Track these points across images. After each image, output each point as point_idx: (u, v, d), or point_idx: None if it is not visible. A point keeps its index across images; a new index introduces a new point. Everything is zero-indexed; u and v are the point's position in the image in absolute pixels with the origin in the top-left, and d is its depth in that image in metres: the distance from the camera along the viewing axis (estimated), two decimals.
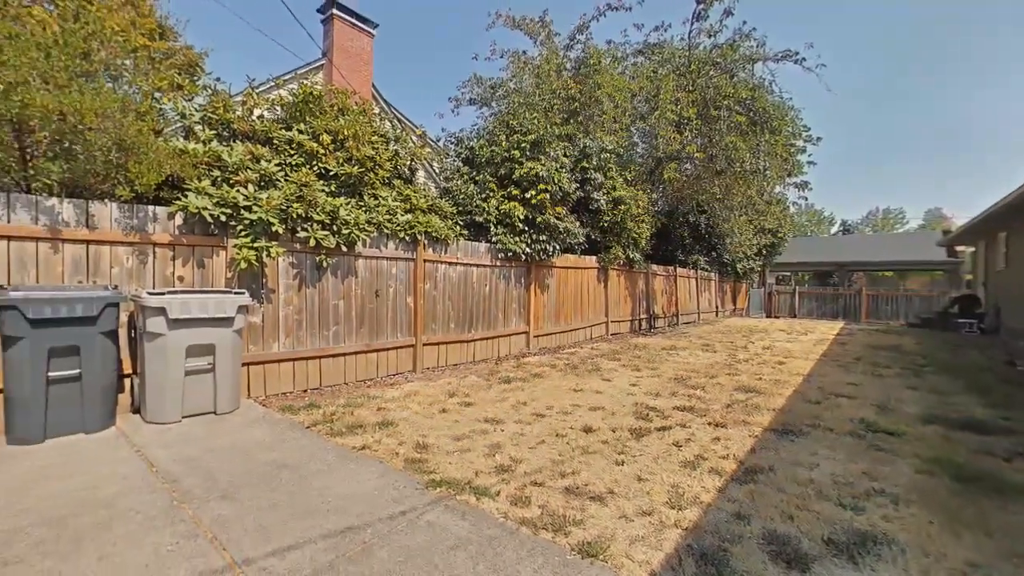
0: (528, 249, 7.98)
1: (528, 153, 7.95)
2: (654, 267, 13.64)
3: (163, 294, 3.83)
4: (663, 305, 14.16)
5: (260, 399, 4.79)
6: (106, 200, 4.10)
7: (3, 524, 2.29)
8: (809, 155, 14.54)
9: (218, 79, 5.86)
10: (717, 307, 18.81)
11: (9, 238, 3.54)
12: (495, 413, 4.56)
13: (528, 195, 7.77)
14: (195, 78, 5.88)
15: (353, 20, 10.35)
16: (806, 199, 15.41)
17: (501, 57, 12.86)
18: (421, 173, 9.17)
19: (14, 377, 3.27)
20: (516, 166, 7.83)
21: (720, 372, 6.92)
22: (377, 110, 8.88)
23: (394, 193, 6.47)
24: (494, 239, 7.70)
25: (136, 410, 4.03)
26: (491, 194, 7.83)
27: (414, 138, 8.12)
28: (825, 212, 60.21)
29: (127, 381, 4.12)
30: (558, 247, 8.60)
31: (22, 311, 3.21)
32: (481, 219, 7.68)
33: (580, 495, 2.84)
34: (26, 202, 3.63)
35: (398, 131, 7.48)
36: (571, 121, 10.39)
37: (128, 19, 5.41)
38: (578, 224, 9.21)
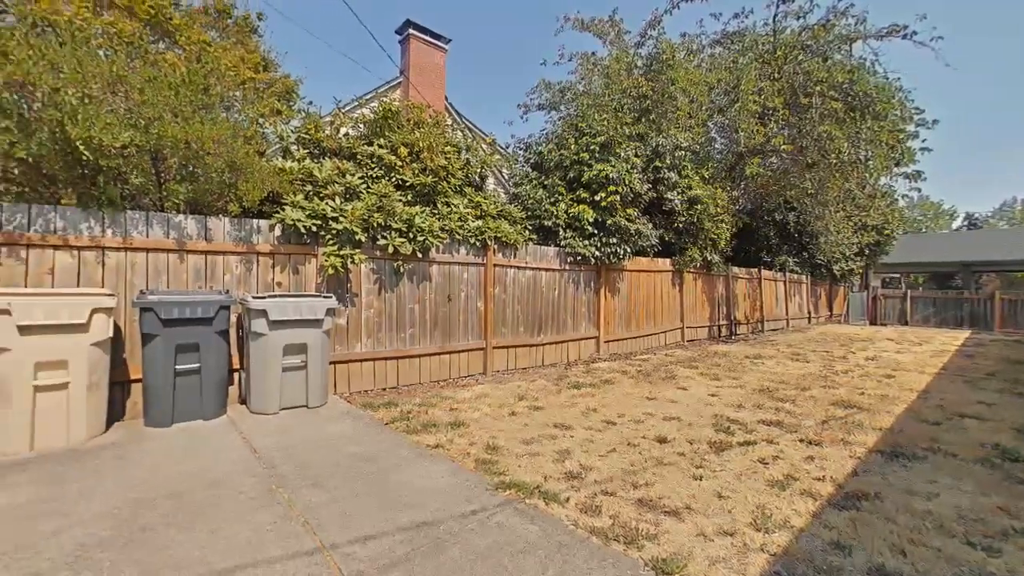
0: (598, 252, 7.84)
1: (597, 155, 7.82)
2: (735, 269, 12.76)
3: (265, 298, 4.27)
4: (745, 310, 13.18)
5: (345, 395, 5.16)
6: (220, 215, 4.68)
7: (141, 495, 2.68)
8: (923, 141, 12.80)
9: (310, 103, 6.47)
10: (809, 313, 17.15)
11: (148, 250, 4.16)
12: (564, 418, 4.51)
13: (598, 197, 7.64)
14: (291, 103, 6.52)
15: (427, 38, 10.89)
16: (919, 190, 13.54)
17: (569, 60, 12.82)
18: (491, 180, 9.39)
19: (151, 369, 3.83)
20: (585, 168, 7.74)
21: (813, 384, 6.29)
22: (449, 121, 9.25)
23: (465, 200, 6.69)
24: (563, 243, 7.66)
25: (243, 401, 4.53)
26: (560, 198, 7.81)
27: (484, 146, 8.34)
28: (944, 205, 52.54)
29: (236, 375, 4.64)
30: (629, 250, 8.35)
31: (157, 312, 3.75)
32: (550, 223, 7.68)
33: (654, 508, 2.72)
34: (160, 219, 4.25)
35: (469, 140, 7.73)
36: (642, 120, 10.06)
37: (238, 56, 6.12)
38: (650, 226, 8.88)
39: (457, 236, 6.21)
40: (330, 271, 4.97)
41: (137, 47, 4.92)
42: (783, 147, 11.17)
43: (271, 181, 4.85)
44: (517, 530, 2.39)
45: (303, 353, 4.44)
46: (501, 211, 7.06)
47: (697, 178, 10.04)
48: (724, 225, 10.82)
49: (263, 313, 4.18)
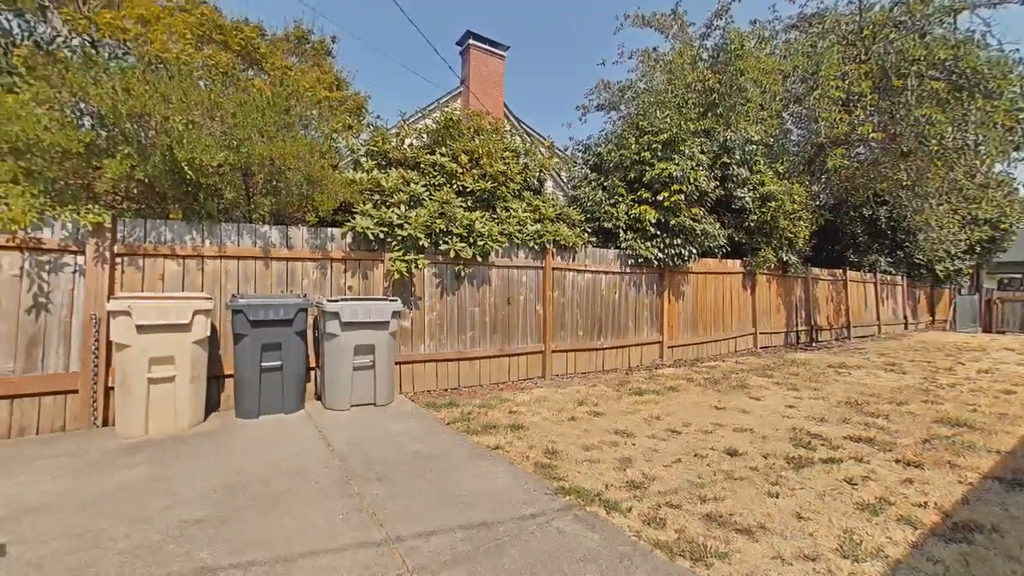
0: (660, 254, 7.56)
1: (660, 153, 7.56)
2: (815, 271, 11.75)
3: (337, 301, 4.57)
4: (828, 315, 12.08)
5: (409, 395, 5.38)
6: (299, 225, 5.08)
7: (233, 479, 2.97)
8: None
9: (378, 116, 6.88)
10: (906, 318, 15.38)
11: (239, 257, 4.61)
12: (626, 425, 4.39)
13: (660, 197, 7.38)
14: (361, 118, 6.95)
15: (486, 47, 11.14)
16: None
17: (630, 58, 12.54)
18: (549, 183, 9.39)
19: (240, 365, 4.23)
20: (647, 168, 7.51)
21: (912, 398, 5.62)
22: (508, 127, 9.38)
23: (524, 204, 6.74)
24: (624, 245, 7.48)
25: (318, 397, 4.87)
26: (620, 199, 7.64)
27: (542, 150, 8.36)
28: None
29: (312, 373, 5.00)
30: (695, 251, 7.97)
31: (246, 314, 4.13)
32: (610, 225, 7.53)
33: (724, 525, 2.57)
34: (249, 230, 4.69)
35: (527, 145, 7.79)
36: (709, 115, 9.58)
37: (315, 77, 6.62)
38: (718, 225, 8.42)
39: (516, 240, 6.27)
40: (396, 275, 5.22)
41: (231, 76, 5.48)
42: (872, 135, 10.13)
43: (343, 192, 5.19)
44: (577, 537, 2.35)
45: (371, 353, 4.68)
46: (560, 214, 7.04)
47: (770, 173, 9.38)
48: (802, 223, 10.01)
49: (336, 315, 4.46)
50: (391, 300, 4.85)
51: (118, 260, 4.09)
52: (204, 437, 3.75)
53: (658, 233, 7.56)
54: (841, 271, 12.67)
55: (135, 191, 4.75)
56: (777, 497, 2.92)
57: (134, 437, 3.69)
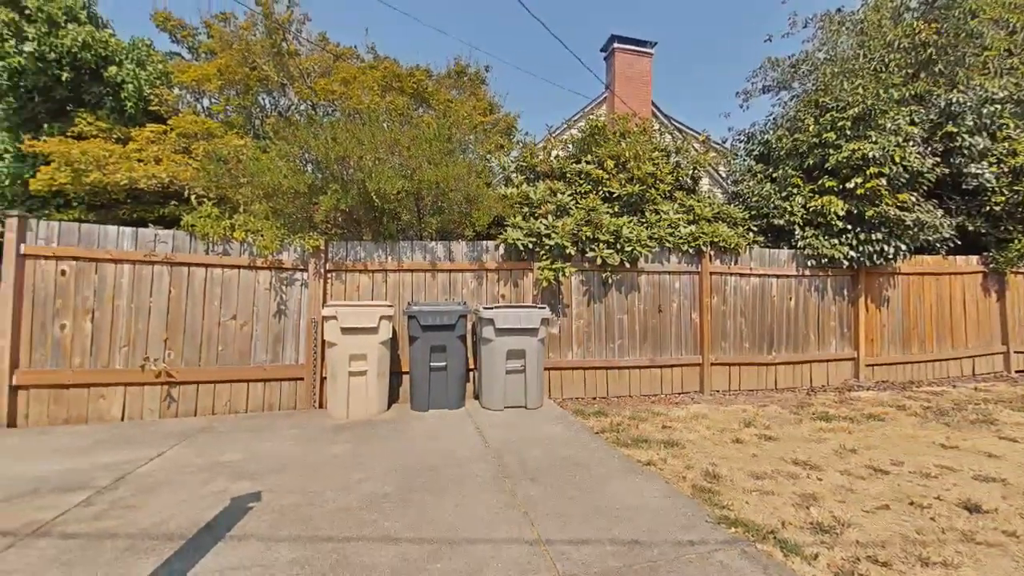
0: (853, 252, 6.27)
1: (848, 132, 6.31)
2: None
3: (492, 308, 4.92)
4: None
5: (558, 400, 5.47)
6: (459, 240, 5.65)
7: (410, 463, 3.42)
8: None
9: (526, 134, 7.24)
10: None
11: (412, 270, 5.33)
12: (808, 455, 3.73)
13: (851, 184, 6.15)
14: (512, 137, 7.42)
15: (632, 47, 10.83)
16: None
17: (804, 27, 10.79)
18: (705, 180, 8.63)
19: (414, 364, 4.86)
20: (831, 151, 6.34)
21: None
22: (657, 126, 8.94)
23: (675, 205, 6.33)
24: (800, 243, 6.42)
25: (476, 396, 5.30)
26: (794, 191, 6.59)
27: (696, 145, 7.75)
28: None
29: (471, 374, 5.47)
30: (903, 247, 6.39)
31: (418, 320, 4.75)
32: (781, 222, 6.55)
33: None
34: (419, 246, 5.39)
35: (678, 142, 7.32)
36: (921, 75, 7.65)
37: (471, 105, 7.30)
38: (940, 213, 6.63)
39: (667, 244, 5.91)
40: (544, 283, 5.40)
41: (405, 116, 6.41)
42: None
43: (496, 207, 5.61)
44: None
45: (522, 358, 4.92)
46: (718, 213, 6.40)
47: None
48: None
49: (491, 321, 4.81)
50: (540, 307, 5.03)
51: (328, 275, 5.11)
52: (387, 424, 4.41)
53: (848, 227, 6.30)
54: None
55: (339, 219, 5.88)
56: None
57: (339, 419, 4.53)
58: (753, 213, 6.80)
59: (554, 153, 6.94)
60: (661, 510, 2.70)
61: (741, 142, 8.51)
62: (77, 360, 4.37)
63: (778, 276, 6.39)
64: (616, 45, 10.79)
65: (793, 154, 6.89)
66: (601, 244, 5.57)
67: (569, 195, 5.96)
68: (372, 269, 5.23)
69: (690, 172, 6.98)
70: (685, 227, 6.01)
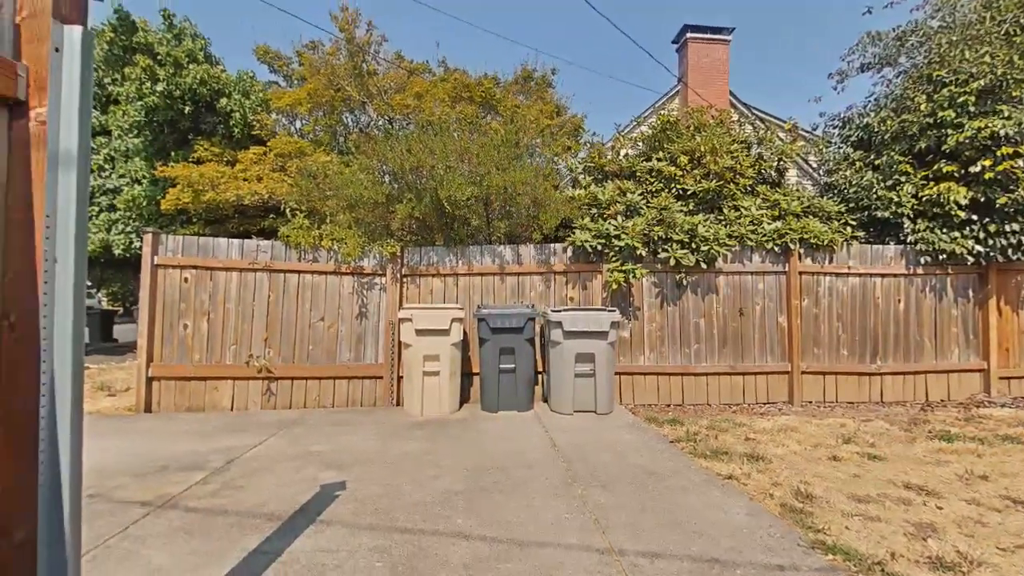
0: (979, 247, 5.42)
1: (971, 108, 5.47)
2: None
3: (560, 311, 4.90)
4: None
5: (629, 406, 5.30)
6: (527, 243, 5.69)
7: (480, 462, 3.49)
8: None
9: (593, 134, 7.14)
10: None
11: (482, 274, 5.46)
12: (924, 480, 3.27)
13: (975, 168, 5.32)
14: (579, 138, 7.34)
15: (706, 36, 10.28)
16: None
17: None
18: (792, 172, 7.94)
19: (484, 366, 4.97)
20: (949, 131, 5.53)
21: None
22: (736, 117, 8.37)
23: (758, 201, 5.88)
24: (911, 238, 5.67)
25: (545, 399, 5.29)
26: (902, 179, 5.84)
27: (781, 135, 7.15)
28: None
29: (539, 377, 5.47)
30: None
31: (488, 322, 4.85)
32: (886, 214, 5.83)
33: None
34: (488, 250, 5.51)
35: (761, 132, 6.81)
36: None
37: (538, 109, 7.35)
38: None
39: (749, 242, 5.51)
40: (613, 286, 5.26)
41: (474, 124, 6.60)
42: None
43: (563, 209, 5.57)
44: None
45: (592, 362, 4.83)
46: (808, 207, 5.85)
47: None
48: None
49: (559, 324, 4.79)
50: (610, 310, 4.92)
51: (404, 280, 5.39)
52: (459, 423, 4.55)
53: (972, 218, 5.45)
54: None
55: (413, 226, 6.19)
56: None
57: (414, 417, 4.75)
58: (851, 206, 6.12)
59: (623, 152, 6.76)
60: (744, 528, 2.51)
61: (835, 128, 7.69)
62: (196, 356, 5.01)
63: (883, 275, 5.69)
64: (689, 35, 10.30)
65: (900, 137, 6.10)
66: (674, 244, 5.32)
67: (639, 194, 5.77)
68: (444, 273, 5.43)
69: (774, 164, 6.46)
70: (769, 224, 5.56)
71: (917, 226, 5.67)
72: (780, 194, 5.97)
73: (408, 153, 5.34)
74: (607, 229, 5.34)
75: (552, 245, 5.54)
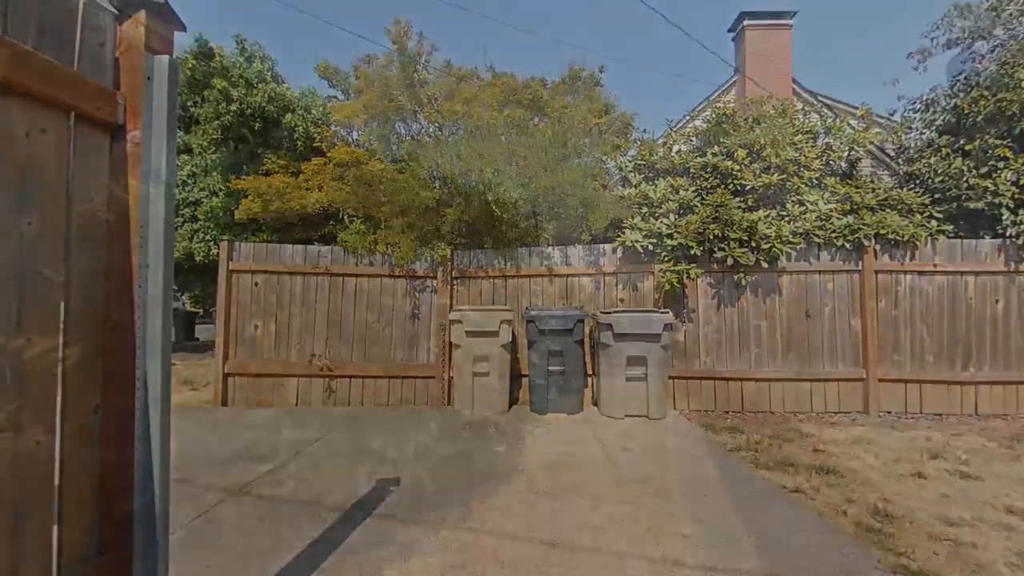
0: None
1: None
2: None
3: (610, 313, 4.80)
4: None
5: (684, 412, 5.10)
6: (575, 244, 5.63)
7: (532, 464, 3.49)
8: None
9: (644, 131, 6.94)
10: None
11: (530, 276, 5.47)
12: None
13: None
14: (628, 136, 7.17)
15: (765, 22, 9.72)
16: None
17: None
18: (866, 163, 7.32)
19: (533, 368, 4.97)
20: None
21: None
22: (800, 105, 7.85)
23: (826, 194, 5.47)
24: (1011, 231, 5.05)
25: (595, 403, 5.20)
26: (1000, 164, 5.22)
27: (852, 123, 6.62)
28: None
29: (589, 379, 5.39)
30: None
31: (537, 324, 4.84)
32: (980, 204, 5.23)
33: None
34: (537, 252, 5.51)
35: (828, 121, 6.33)
36: None
37: (586, 108, 7.26)
38: None
39: (815, 239, 5.13)
40: (666, 287, 5.09)
41: (522, 127, 6.62)
42: None
43: (612, 209, 5.47)
44: None
45: (643, 365, 4.69)
46: (884, 199, 5.36)
47: None
48: None
49: (609, 326, 4.70)
50: (662, 312, 4.76)
51: (454, 282, 5.51)
52: (509, 423, 4.58)
53: None
54: None
55: (462, 229, 6.30)
56: None
57: (465, 416, 4.84)
58: (936, 197, 5.55)
59: (675, 148, 6.52)
60: (812, 546, 2.34)
61: (916, 112, 7.01)
62: (265, 355, 5.38)
63: (976, 273, 5.10)
64: (746, 23, 9.79)
65: (997, 118, 5.45)
66: (732, 242, 5.06)
67: (693, 191, 5.54)
68: (492, 275, 5.49)
69: (845, 154, 5.98)
70: (840, 219, 5.16)
71: (1019, 217, 5.04)
72: (852, 186, 5.53)
73: (458, 158, 5.46)
74: (659, 228, 5.18)
75: (601, 246, 5.45)
